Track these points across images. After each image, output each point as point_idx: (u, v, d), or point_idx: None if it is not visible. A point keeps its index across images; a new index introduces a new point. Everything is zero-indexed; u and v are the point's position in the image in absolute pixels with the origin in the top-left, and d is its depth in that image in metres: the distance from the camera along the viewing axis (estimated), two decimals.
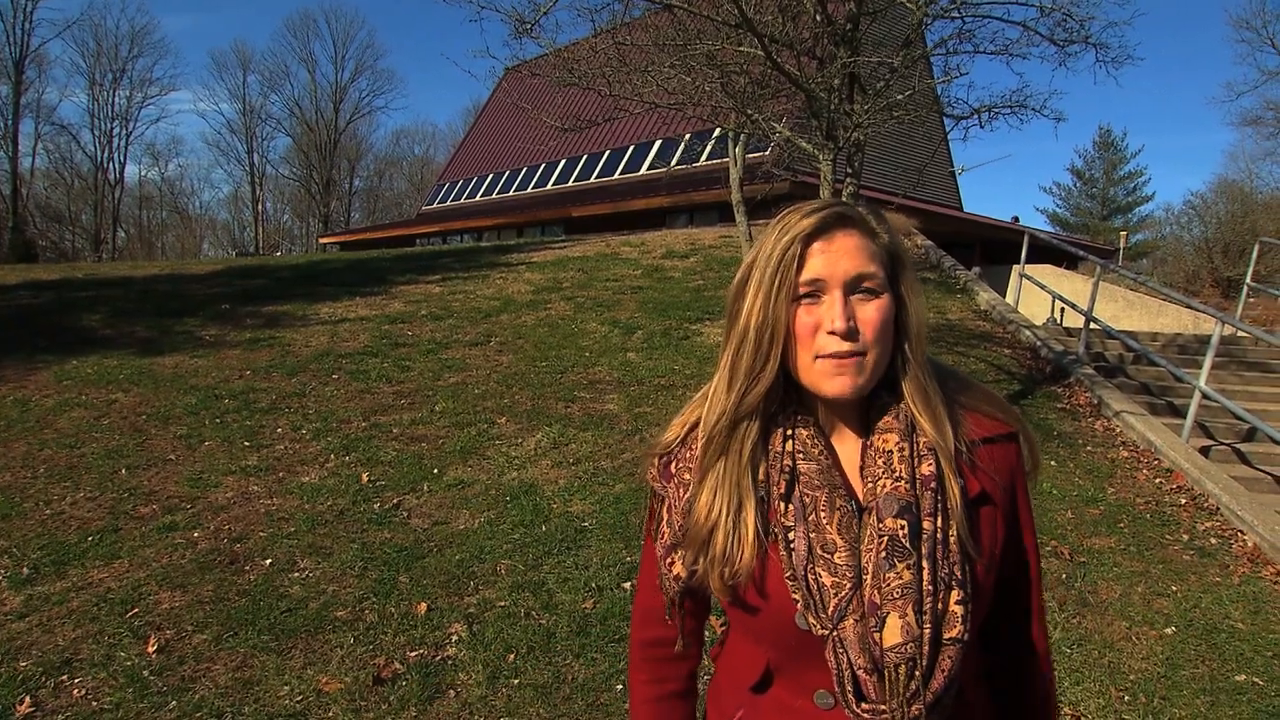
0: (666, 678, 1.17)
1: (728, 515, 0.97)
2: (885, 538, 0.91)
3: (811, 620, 0.92)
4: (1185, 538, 4.37)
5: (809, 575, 0.93)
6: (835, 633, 0.91)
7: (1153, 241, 39.78)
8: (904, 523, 0.91)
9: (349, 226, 46.79)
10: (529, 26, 3.71)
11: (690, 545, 1.01)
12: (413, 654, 3.13)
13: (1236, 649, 3.41)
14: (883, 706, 0.89)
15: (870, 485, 0.95)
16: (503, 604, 3.50)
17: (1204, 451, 5.55)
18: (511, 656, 3.14)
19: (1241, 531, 4.44)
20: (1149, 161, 49.17)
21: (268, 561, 3.74)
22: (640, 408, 5.77)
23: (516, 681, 3.00)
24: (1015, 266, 9.61)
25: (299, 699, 2.83)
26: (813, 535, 0.94)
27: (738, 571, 0.96)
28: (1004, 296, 9.30)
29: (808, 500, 0.96)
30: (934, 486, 0.94)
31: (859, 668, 0.90)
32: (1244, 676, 3.24)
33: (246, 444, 5.00)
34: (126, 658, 3.00)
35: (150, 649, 3.05)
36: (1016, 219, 22.05)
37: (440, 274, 10.23)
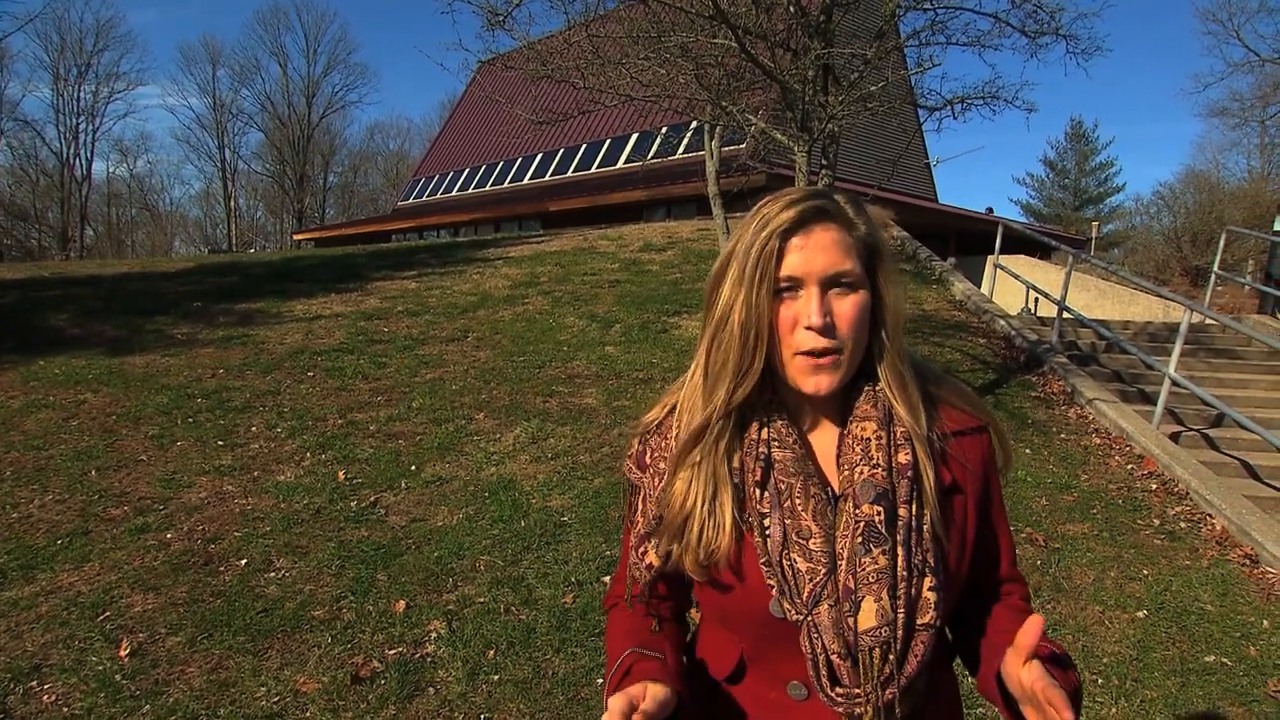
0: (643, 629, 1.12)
1: (703, 503, 0.97)
2: (862, 523, 0.92)
3: (786, 606, 0.92)
4: (1156, 522, 4.44)
5: (784, 561, 0.93)
6: (810, 618, 0.91)
7: (1124, 231, 40.35)
8: (880, 509, 0.92)
9: (323, 223, 46.29)
10: (502, 19, 3.68)
11: (665, 532, 1.00)
12: (391, 652, 3.11)
13: (1206, 630, 3.48)
14: (857, 690, 0.90)
15: (847, 472, 0.96)
16: (482, 600, 3.48)
17: (1174, 437, 5.65)
18: (491, 653, 3.13)
19: (1210, 515, 4.52)
20: (1120, 152, 49.91)
21: (243, 562, 3.70)
22: (619, 401, 5.76)
23: (496, 677, 2.99)
24: (990, 257, 9.71)
25: (276, 700, 2.80)
26: (788, 522, 0.94)
27: (714, 557, 0.96)
28: (979, 287, 9.39)
29: (783, 487, 0.96)
30: (910, 475, 0.95)
31: (833, 653, 0.90)
32: (1213, 657, 3.30)
33: (220, 443, 4.93)
34: (98, 662, 2.95)
35: (122, 653, 3.00)
36: (991, 210, 22.27)
37: (416, 270, 10.14)
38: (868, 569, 0.90)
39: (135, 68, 68.57)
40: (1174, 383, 5.66)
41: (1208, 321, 7.86)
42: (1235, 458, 5.43)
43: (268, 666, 2.99)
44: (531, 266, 9.87)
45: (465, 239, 16.88)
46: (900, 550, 0.92)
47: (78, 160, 42.65)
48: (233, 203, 48.82)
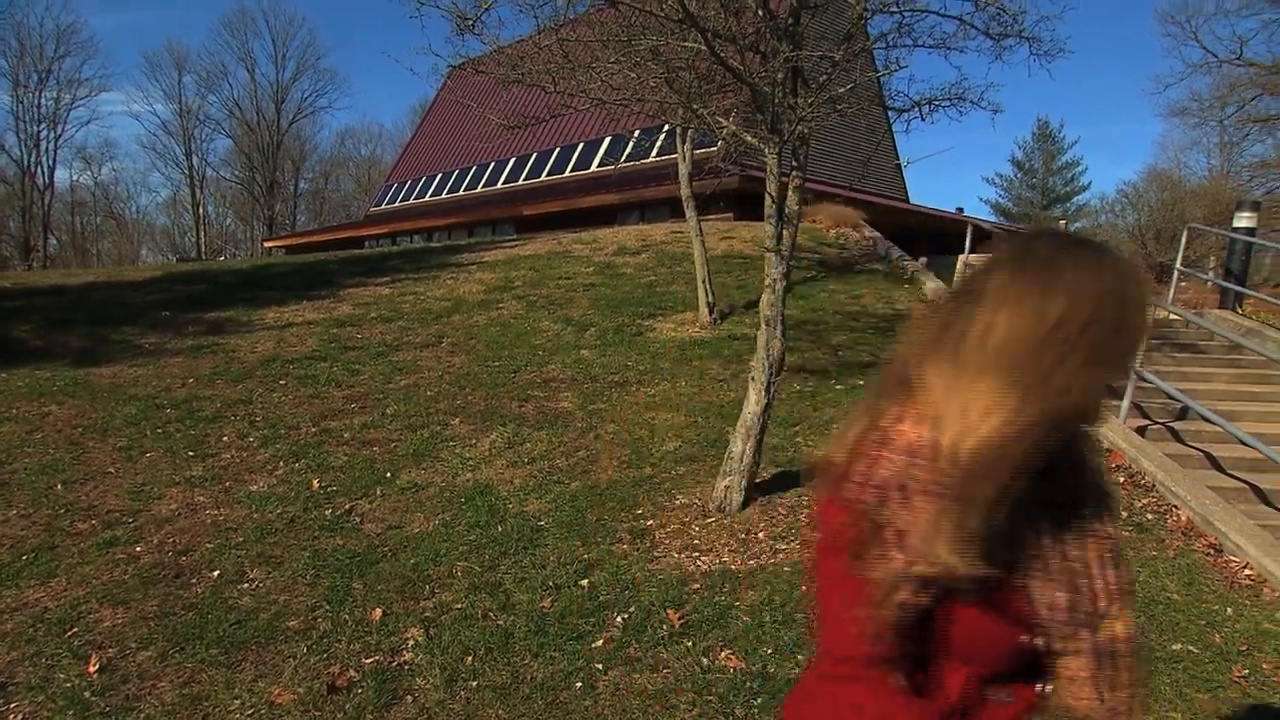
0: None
1: (992, 542, 0.94)
2: (1108, 544, 1.00)
3: (1041, 640, 0.99)
4: (1124, 515, 4.53)
5: (1048, 592, 0.98)
6: (1068, 642, 0.98)
7: (1091, 229, 41.03)
8: (1112, 529, 1.02)
9: (295, 229, 45.76)
10: (471, 23, 3.67)
11: (932, 569, 0.94)
12: (368, 661, 3.09)
13: (1173, 619, 3.55)
14: (1121, 694, 0.99)
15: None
16: (459, 606, 3.47)
17: (1140, 431, 5.75)
18: (469, 659, 3.11)
19: (1176, 507, 4.61)
20: (1085, 152, 50.87)
21: (215, 573, 3.65)
22: (594, 405, 5.76)
23: (475, 684, 2.97)
24: (961, 256, 9.84)
25: (250, 713, 2.76)
26: (1053, 553, 0.99)
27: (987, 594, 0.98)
28: (951, 285, 9.52)
29: (1049, 520, 1.00)
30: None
31: (1088, 667, 0.99)
32: (1180, 645, 3.37)
33: (191, 454, 4.86)
34: (66, 679, 2.90)
35: (91, 669, 2.95)
36: (961, 210, 22.55)
37: (390, 276, 10.07)
38: (1113, 585, 1.00)
39: (98, 74, 66.90)
40: (1140, 377, 5.77)
41: (1171, 317, 8.02)
42: (1199, 450, 5.55)
43: (241, 679, 2.95)
44: (505, 271, 9.84)
45: (439, 244, 16.79)
46: (1121, 565, 1.04)
47: (39, 168, 41.86)
48: (201, 210, 48.14)
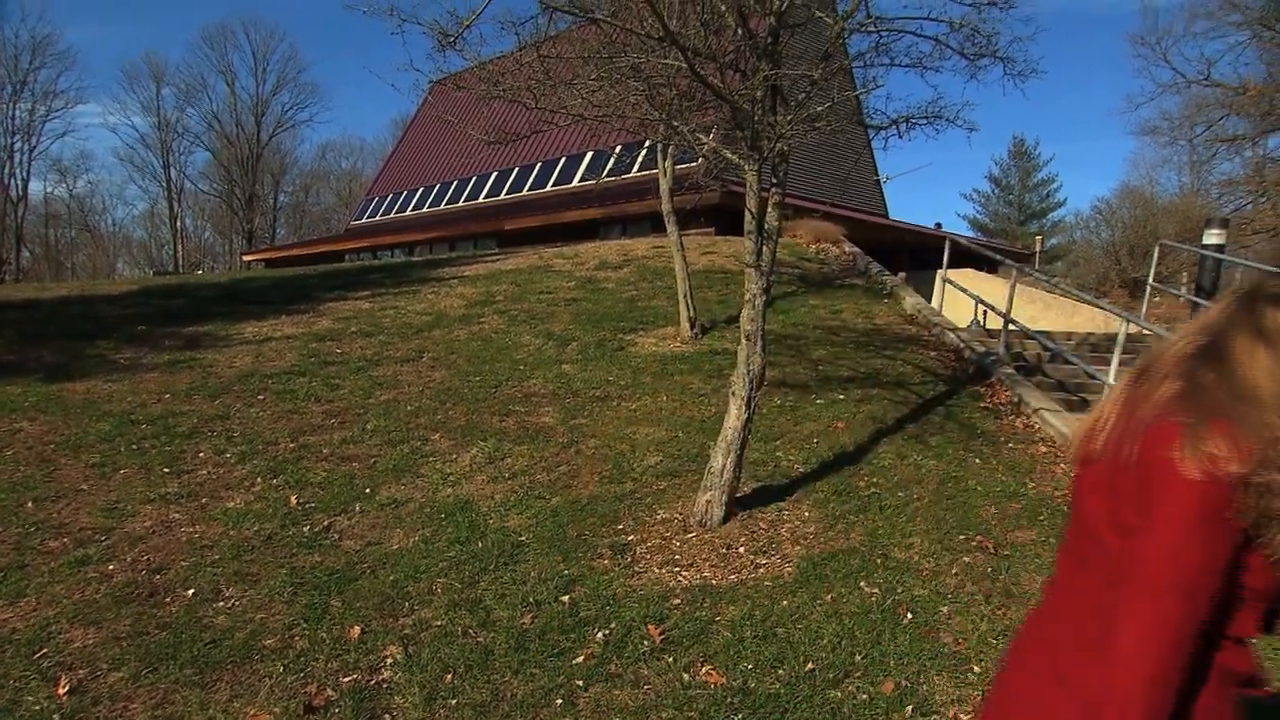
0: None
1: None
2: None
3: None
4: None
5: None
6: None
7: (1066, 245, 41.70)
8: None
9: (274, 243, 45.45)
10: (452, 40, 3.69)
11: None
12: (346, 679, 3.05)
13: None
14: None
15: None
16: (439, 623, 3.44)
17: None
18: (449, 676, 3.09)
19: None
20: (1060, 169, 51.83)
21: (190, 592, 3.59)
22: (576, 419, 5.75)
23: (454, 701, 2.95)
24: (939, 271, 9.95)
25: None
26: None
27: None
28: (930, 300, 9.61)
29: None
30: None
31: None
32: None
33: (166, 470, 4.80)
34: (34, 701, 2.84)
35: (61, 691, 2.89)
36: (940, 225, 22.81)
37: (370, 290, 10.02)
38: None
39: (74, 85, 66.66)
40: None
41: (1144, 332, 8.16)
42: None
43: (216, 699, 2.91)
44: (487, 285, 9.82)
45: (420, 258, 16.74)
46: None
47: (13, 180, 41.34)
48: (179, 223, 47.74)
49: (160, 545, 3.99)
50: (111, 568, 3.76)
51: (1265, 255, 22.15)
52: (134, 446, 5.08)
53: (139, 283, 13.08)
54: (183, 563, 3.83)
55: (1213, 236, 8.86)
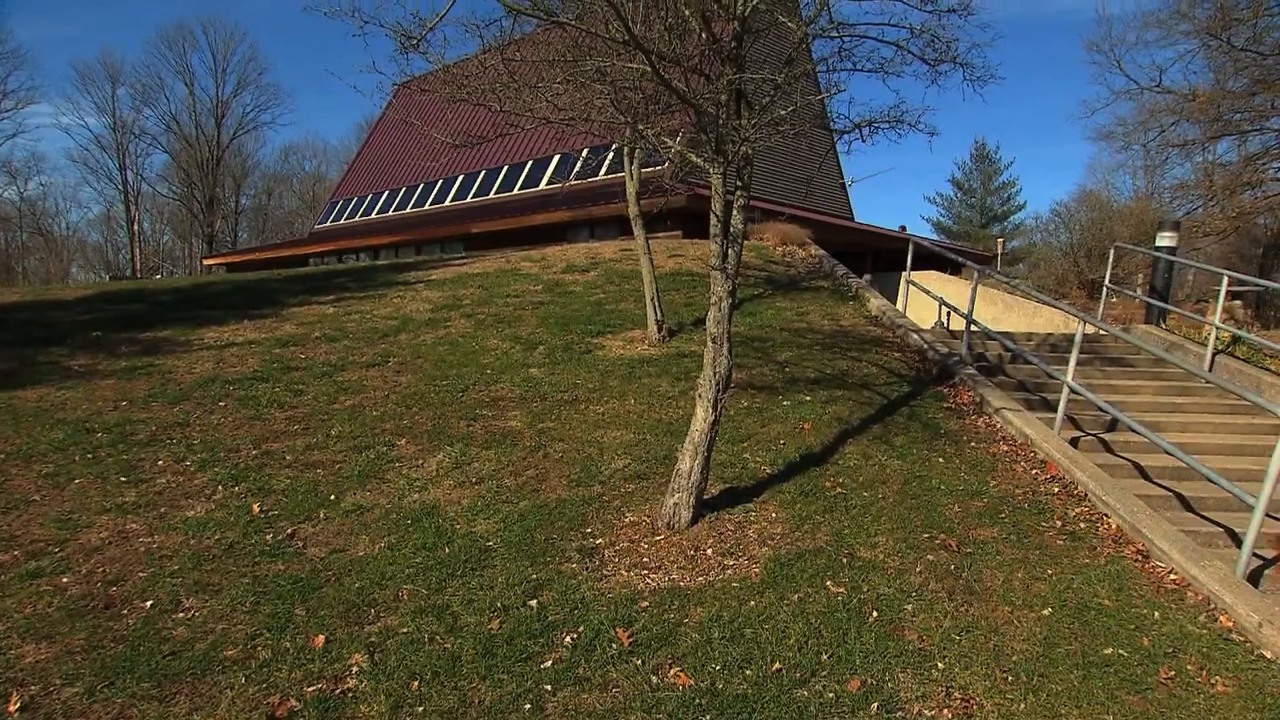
0: None
1: None
2: None
3: None
4: (1058, 524, 4.68)
5: None
6: None
7: (1027, 248, 42.47)
8: None
9: (236, 246, 44.65)
10: (414, 42, 3.66)
11: None
12: (310, 689, 3.01)
13: (1104, 624, 3.68)
14: None
15: None
16: (405, 630, 3.41)
17: (1073, 442, 5.96)
18: (415, 684, 3.06)
19: (1106, 515, 4.79)
20: (1020, 172, 52.71)
21: (148, 603, 3.52)
22: (543, 423, 5.74)
23: (421, 709, 2.92)
24: (904, 273, 10.09)
25: None
26: None
27: None
28: (895, 302, 9.74)
29: None
30: None
31: None
32: (1111, 649, 3.49)
33: (123, 479, 4.69)
34: None
35: (12, 708, 2.81)
36: (904, 228, 23.14)
37: (335, 294, 9.89)
38: None
39: (25, 85, 64.46)
40: (1072, 390, 5.99)
41: (1101, 332, 8.35)
42: (1128, 459, 5.77)
43: (175, 712, 2.85)
44: (454, 289, 9.75)
45: (385, 262, 16.56)
46: None
47: None
48: (136, 226, 46.63)
49: (117, 556, 3.90)
50: (65, 580, 3.67)
51: (1215, 257, 22.80)
52: (89, 456, 4.96)
53: (95, 287, 12.77)
54: (140, 574, 3.75)
55: (1165, 239, 9.10)
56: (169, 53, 52.92)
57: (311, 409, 5.89)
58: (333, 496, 4.63)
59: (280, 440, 5.34)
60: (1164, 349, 8.14)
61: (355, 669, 3.14)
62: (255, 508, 4.44)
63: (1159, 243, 9.12)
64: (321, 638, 3.32)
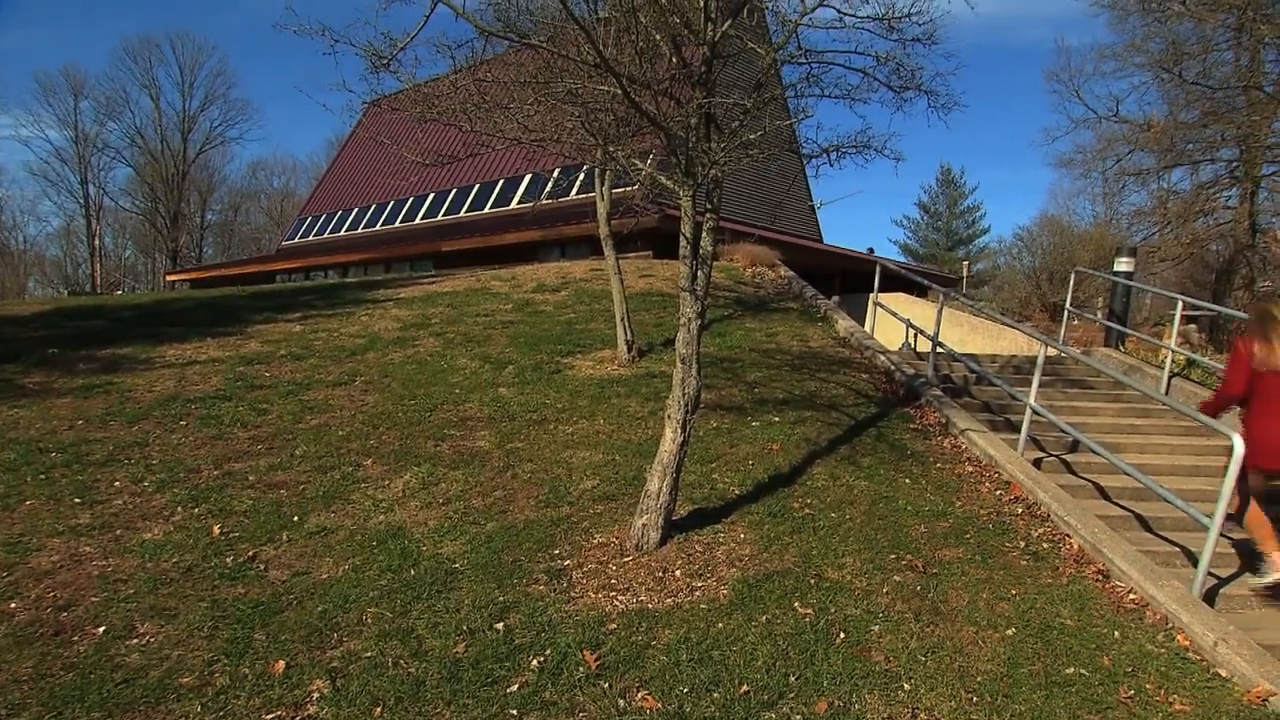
0: None
1: None
2: None
3: None
4: (1022, 544, 4.74)
5: None
6: None
7: (992, 271, 43.32)
8: None
9: (200, 262, 43.97)
10: (385, 62, 3.66)
11: None
12: (269, 717, 2.94)
13: (1066, 644, 3.72)
14: None
15: None
16: (369, 655, 3.34)
17: (1036, 463, 6.06)
18: (378, 710, 3.00)
19: (1068, 535, 4.87)
20: (985, 197, 53.83)
21: (100, 629, 3.42)
22: (512, 443, 5.70)
23: None
24: (871, 295, 10.23)
25: None
26: None
27: None
28: (863, 323, 9.86)
29: None
30: None
31: None
32: (1073, 669, 3.53)
33: (77, 501, 4.56)
34: None
35: None
36: (872, 250, 23.52)
37: (301, 312, 9.77)
38: None
39: None
40: (1035, 412, 6.09)
41: (1063, 354, 8.52)
42: (1089, 480, 5.88)
43: None
44: (423, 308, 9.69)
45: (354, 280, 16.41)
46: None
47: None
48: (97, 241, 45.75)
49: (69, 580, 3.78)
50: (13, 605, 3.55)
51: (1171, 282, 23.44)
52: (42, 476, 4.83)
53: (52, 303, 12.48)
54: (93, 598, 3.65)
55: (1123, 264, 9.34)
56: (134, 65, 52.12)
57: (276, 428, 5.79)
58: (296, 518, 4.54)
59: (243, 460, 5.24)
60: (1123, 372, 8.33)
61: (316, 695, 3.07)
62: (215, 529, 4.34)
63: (1117, 268, 9.36)
64: (282, 663, 3.25)
